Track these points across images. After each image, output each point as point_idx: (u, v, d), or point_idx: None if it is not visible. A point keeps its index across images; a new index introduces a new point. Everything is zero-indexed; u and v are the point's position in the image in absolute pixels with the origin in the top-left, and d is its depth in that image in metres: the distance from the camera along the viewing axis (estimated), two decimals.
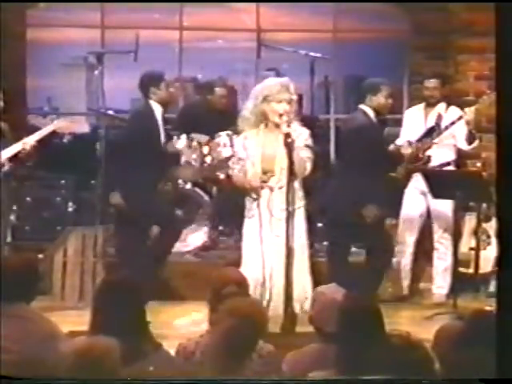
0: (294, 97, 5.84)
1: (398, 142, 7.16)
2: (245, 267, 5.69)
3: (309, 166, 5.78)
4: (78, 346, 3.31)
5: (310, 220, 6.08)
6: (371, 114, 6.67)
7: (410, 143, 6.97)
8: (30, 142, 6.54)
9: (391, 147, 7.01)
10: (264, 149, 5.83)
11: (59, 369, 3.25)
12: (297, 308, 5.72)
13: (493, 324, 3.35)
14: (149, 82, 6.76)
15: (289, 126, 5.72)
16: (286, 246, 5.65)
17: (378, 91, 6.64)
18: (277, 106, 5.75)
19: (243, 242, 5.94)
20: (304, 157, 5.75)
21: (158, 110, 6.75)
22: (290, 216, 5.67)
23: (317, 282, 5.66)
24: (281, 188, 5.78)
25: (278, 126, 5.78)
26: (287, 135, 5.65)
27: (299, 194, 5.83)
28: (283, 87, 5.78)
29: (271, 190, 5.81)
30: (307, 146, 5.80)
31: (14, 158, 6.54)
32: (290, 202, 5.66)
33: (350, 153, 6.65)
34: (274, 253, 5.76)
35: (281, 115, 5.73)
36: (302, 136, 5.81)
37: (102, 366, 3.21)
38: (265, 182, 5.83)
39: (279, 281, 5.71)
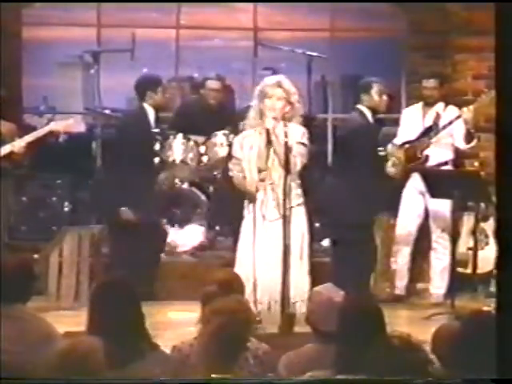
0: (295, 96, 5.80)
1: (396, 141, 7.15)
2: (238, 268, 5.67)
3: (299, 162, 5.75)
4: (61, 346, 3.29)
5: (310, 219, 6.04)
6: (368, 113, 6.66)
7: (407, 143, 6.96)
8: (21, 143, 6.54)
9: (389, 146, 7.01)
10: (260, 147, 5.81)
11: (54, 369, 3.23)
12: (295, 309, 5.69)
13: (491, 324, 3.34)
14: (146, 86, 6.73)
15: (286, 123, 5.69)
16: (283, 245, 5.63)
17: (369, 89, 6.64)
18: (268, 102, 5.73)
19: (239, 242, 5.93)
20: (295, 153, 5.71)
21: (151, 114, 6.72)
22: (286, 214, 5.64)
23: (316, 282, 5.62)
24: (272, 185, 5.75)
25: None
26: (274, 131, 5.63)
27: (296, 191, 5.80)
28: (276, 84, 5.77)
29: (264, 188, 5.79)
30: (301, 143, 5.77)
31: (5, 159, 6.53)
32: (284, 199, 5.63)
33: (347, 153, 6.64)
34: (268, 252, 5.72)
35: (271, 111, 5.71)
36: (295, 133, 5.78)
37: (84, 367, 3.19)
38: (262, 180, 5.82)
39: (273, 281, 5.67)
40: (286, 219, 5.66)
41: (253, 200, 5.79)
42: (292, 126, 5.78)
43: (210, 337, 3.60)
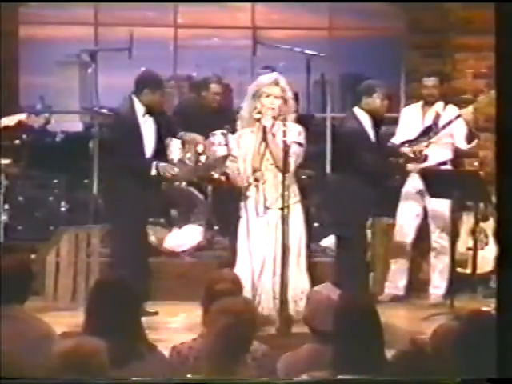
0: (289, 93, 5.79)
1: (395, 140, 7.12)
2: (237, 268, 5.65)
3: (293, 162, 5.70)
4: (64, 346, 3.26)
5: (307, 218, 6.01)
6: (364, 116, 6.61)
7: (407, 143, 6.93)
8: None
9: (387, 146, 6.99)
10: (255, 146, 5.78)
11: (52, 369, 3.21)
12: (292, 309, 5.66)
13: (490, 324, 3.32)
14: (146, 83, 6.63)
15: (284, 122, 5.67)
16: (282, 244, 5.60)
17: (373, 93, 6.61)
18: (265, 100, 5.70)
19: (238, 241, 5.91)
20: (290, 153, 5.68)
21: (140, 111, 6.60)
22: (282, 213, 5.61)
23: (316, 281, 5.59)
24: (266, 184, 5.71)
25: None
26: (271, 130, 5.61)
27: (292, 189, 5.76)
28: (272, 82, 5.74)
29: (258, 188, 5.75)
30: (297, 142, 5.73)
31: None
32: (279, 198, 5.59)
33: (344, 155, 6.63)
34: (262, 251, 5.69)
35: (269, 109, 5.68)
36: (292, 132, 5.74)
37: (88, 367, 3.17)
38: (257, 180, 5.78)
39: (269, 281, 5.64)
40: (282, 218, 5.63)
41: (247, 199, 5.76)
42: (290, 125, 5.75)
43: (216, 337, 3.58)
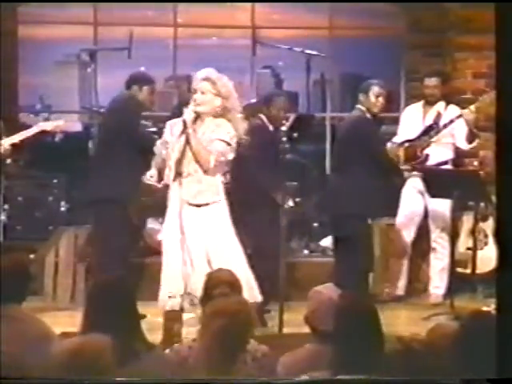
0: (224, 90, 5.59)
1: (396, 140, 7.12)
2: (165, 263, 5.54)
3: (212, 160, 5.51)
4: (71, 345, 3.26)
5: (235, 215, 5.68)
6: (363, 113, 6.64)
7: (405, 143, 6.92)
8: (8, 142, 6.52)
9: (388, 146, 6.99)
10: (178, 139, 5.62)
11: (52, 369, 3.20)
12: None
13: (490, 324, 3.32)
14: (134, 81, 6.63)
15: (212, 118, 5.54)
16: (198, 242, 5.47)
17: (368, 90, 6.63)
18: (195, 95, 5.60)
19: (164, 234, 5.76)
20: (211, 149, 5.53)
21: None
22: (200, 210, 5.49)
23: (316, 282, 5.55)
24: (186, 178, 5.54)
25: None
26: (192, 124, 5.48)
27: (212, 188, 5.56)
28: (204, 77, 5.60)
29: (180, 181, 5.59)
30: (222, 140, 5.53)
31: None
32: (196, 194, 5.50)
33: (347, 152, 6.62)
34: (178, 247, 5.54)
35: (192, 103, 5.56)
36: (220, 129, 5.58)
37: (95, 366, 3.16)
38: (179, 173, 5.62)
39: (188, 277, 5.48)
40: (200, 215, 5.49)
41: (171, 192, 5.61)
42: (220, 123, 5.59)
43: (212, 338, 3.58)
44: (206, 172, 5.53)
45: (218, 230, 5.54)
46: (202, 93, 5.57)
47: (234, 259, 5.48)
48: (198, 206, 5.52)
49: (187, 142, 5.54)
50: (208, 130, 5.57)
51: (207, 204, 5.54)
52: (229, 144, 5.55)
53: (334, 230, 6.88)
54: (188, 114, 5.54)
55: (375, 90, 6.66)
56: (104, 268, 6.20)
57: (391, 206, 7.21)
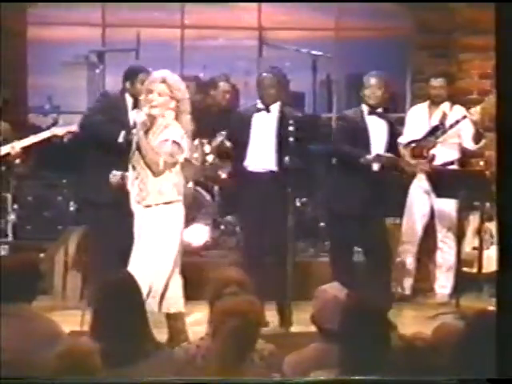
0: (178, 93, 5.50)
1: (402, 140, 7.13)
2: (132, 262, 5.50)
3: (161, 162, 5.42)
4: (61, 348, 3.30)
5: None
6: (365, 111, 6.60)
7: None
8: (19, 145, 6.56)
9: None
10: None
11: (58, 369, 3.24)
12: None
13: (494, 324, 3.33)
14: (127, 76, 6.61)
15: (165, 119, 5.48)
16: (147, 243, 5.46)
17: (369, 83, 6.57)
18: (150, 95, 5.49)
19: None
20: (161, 151, 5.45)
21: (129, 103, 6.56)
22: (148, 211, 5.46)
23: (318, 282, 5.58)
24: (136, 180, 5.49)
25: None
26: (144, 126, 5.43)
27: (159, 189, 5.47)
28: (159, 78, 5.49)
29: (132, 182, 5.54)
30: (173, 141, 5.45)
31: (2, 159, 6.57)
32: (144, 196, 5.44)
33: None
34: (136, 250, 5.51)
35: (145, 105, 5.50)
36: (168, 130, 5.50)
37: (83, 368, 3.20)
38: (136, 176, 5.58)
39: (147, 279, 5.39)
40: (148, 217, 5.46)
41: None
42: (167, 123, 5.51)
43: (222, 337, 3.59)
44: (155, 174, 5.45)
45: (160, 232, 5.45)
46: (159, 94, 5.49)
47: (158, 266, 5.43)
48: (148, 206, 5.46)
49: (137, 144, 5.47)
50: (157, 131, 5.49)
51: (156, 205, 5.45)
52: (178, 144, 5.47)
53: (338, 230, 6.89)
54: (140, 116, 5.47)
55: (370, 80, 6.60)
56: (110, 268, 6.23)
57: (398, 205, 7.23)
